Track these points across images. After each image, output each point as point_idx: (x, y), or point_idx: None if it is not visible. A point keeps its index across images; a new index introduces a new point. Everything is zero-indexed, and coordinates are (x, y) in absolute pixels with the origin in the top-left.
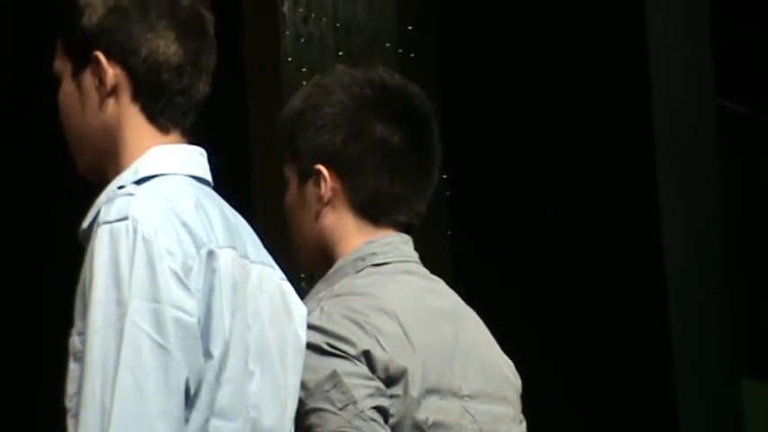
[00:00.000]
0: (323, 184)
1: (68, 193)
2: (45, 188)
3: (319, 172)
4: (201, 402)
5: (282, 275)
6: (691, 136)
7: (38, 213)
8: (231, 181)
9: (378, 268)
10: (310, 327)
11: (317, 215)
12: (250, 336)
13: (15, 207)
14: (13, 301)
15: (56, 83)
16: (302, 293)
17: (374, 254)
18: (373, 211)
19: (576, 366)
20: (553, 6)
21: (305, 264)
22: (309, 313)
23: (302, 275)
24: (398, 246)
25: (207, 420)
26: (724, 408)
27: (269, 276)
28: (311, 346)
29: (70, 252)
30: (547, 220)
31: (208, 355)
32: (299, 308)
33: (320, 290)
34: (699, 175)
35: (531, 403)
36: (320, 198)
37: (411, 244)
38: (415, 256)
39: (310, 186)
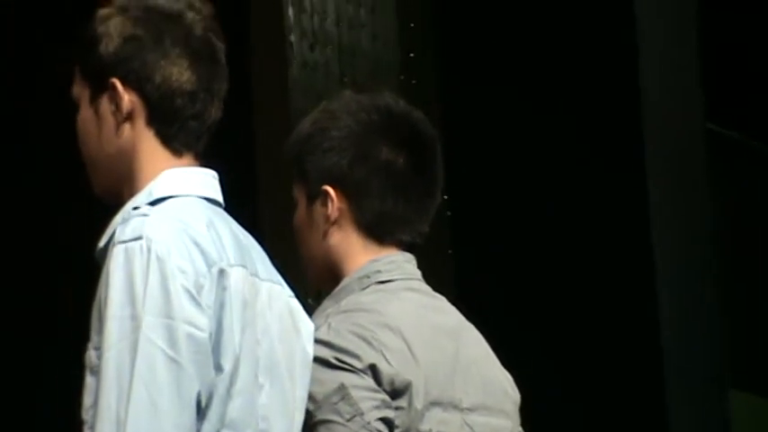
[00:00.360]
0: (330, 205)
1: (80, 205)
2: (56, 199)
3: (326, 193)
4: (213, 414)
5: (291, 293)
6: (681, 160)
7: (46, 224)
8: (239, 200)
9: (382, 285)
10: (319, 341)
11: (325, 234)
12: (260, 350)
13: (25, 218)
14: (25, 311)
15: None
16: (309, 309)
17: (379, 272)
18: (378, 231)
19: (571, 373)
20: (549, 33)
21: (313, 281)
22: (317, 329)
23: (308, 296)
24: (402, 264)
25: (218, 431)
26: (713, 412)
27: (278, 294)
28: (319, 360)
29: (83, 265)
30: (545, 240)
31: (219, 368)
32: (306, 324)
33: (327, 306)
34: (688, 189)
35: (527, 411)
36: (327, 218)
37: (414, 262)
38: (418, 273)
39: (318, 206)
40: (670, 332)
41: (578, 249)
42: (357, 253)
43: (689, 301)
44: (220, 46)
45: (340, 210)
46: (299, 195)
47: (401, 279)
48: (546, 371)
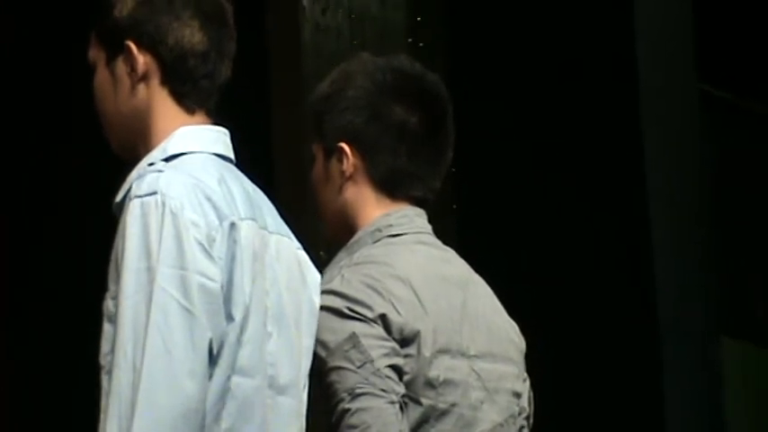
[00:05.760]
0: (345, 161)
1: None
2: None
3: (342, 149)
4: (224, 361)
5: (299, 245)
6: (674, 120)
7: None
8: (255, 157)
9: (394, 239)
10: (332, 292)
11: (340, 189)
12: (268, 300)
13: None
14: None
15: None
16: (321, 262)
17: (390, 225)
18: (390, 187)
19: (568, 323)
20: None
21: (329, 234)
22: (331, 280)
23: (320, 248)
24: (413, 218)
25: (229, 377)
26: (705, 359)
27: (286, 246)
28: (332, 310)
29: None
30: (545, 198)
31: (230, 317)
32: (313, 275)
33: (341, 258)
34: (681, 148)
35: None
36: (343, 173)
37: (425, 217)
38: (429, 228)
39: (334, 162)
40: (664, 282)
41: (577, 207)
42: (370, 207)
43: (682, 252)
44: (229, 7)
45: (355, 166)
46: (317, 152)
47: (412, 233)
48: (543, 322)
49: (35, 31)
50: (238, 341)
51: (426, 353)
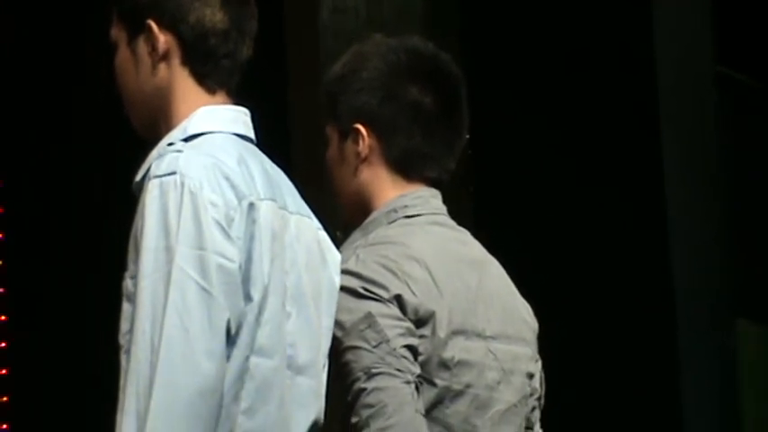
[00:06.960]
0: (361, 142)
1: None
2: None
3: (358, 131)
4: (242, 341)
5: (319, 225)
6: (692, 102)
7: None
8: (273, 138)
9: (409, 220)
10: (347, 272)
11: (355, 170)
12: (288, 281)
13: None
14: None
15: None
16: (337, 242)
17: (406, 206)
18: (406, 168)
19: (584, 306)
20: None
21: (344, 215)
22: (346, 260)
23: (336, 229)
24: (428, 199)
25: (247, 358)
26: (720, 340)
27: (306, 226)
28: (348, 290)
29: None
30: (561, 181)
31: (248, 298)
32: (333, 254)
33: (356, 239)
34: (698, 131)
35: (542, 341)
36: (358, 154)
37: (440, 198)
38: (444, 209)
39: (349, 144)
40: (680, 264)
41: (593, 190)
42: (386, 188)
43: (698, 235)
44: None
45: (370, 147)
46: (332, 133)
47: (427, 213)
48: (558, 304)
49: (35, 31)
50: (257, 321)
51: (441, 334)
